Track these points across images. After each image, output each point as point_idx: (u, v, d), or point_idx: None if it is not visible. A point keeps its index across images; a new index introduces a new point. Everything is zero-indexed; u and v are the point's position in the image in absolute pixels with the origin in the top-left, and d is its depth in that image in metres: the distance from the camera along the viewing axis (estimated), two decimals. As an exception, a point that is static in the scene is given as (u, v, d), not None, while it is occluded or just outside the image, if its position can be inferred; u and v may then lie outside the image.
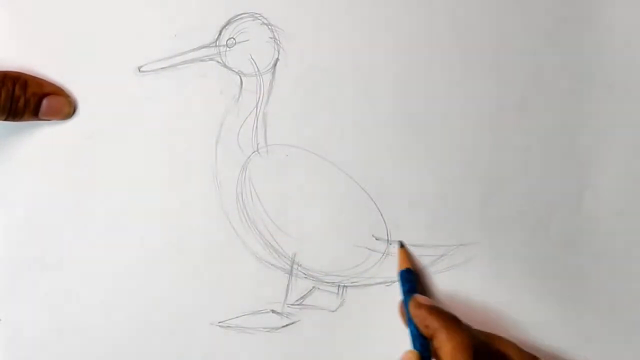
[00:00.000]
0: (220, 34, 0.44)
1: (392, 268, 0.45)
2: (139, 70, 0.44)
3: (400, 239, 0.45)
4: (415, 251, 0.45)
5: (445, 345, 0.39)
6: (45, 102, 0.43)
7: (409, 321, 0.42)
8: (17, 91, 0.42)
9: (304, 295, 0.45)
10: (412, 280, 0.43)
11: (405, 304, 0.42)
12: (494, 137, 0.45)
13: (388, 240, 0.45)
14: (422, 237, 0.45)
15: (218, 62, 0.44)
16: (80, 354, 0.45)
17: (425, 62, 0.45)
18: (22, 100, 0.42)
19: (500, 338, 0.42)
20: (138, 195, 0.44)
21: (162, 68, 0.44)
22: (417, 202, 0.45)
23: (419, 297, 0.42)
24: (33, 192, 0.44)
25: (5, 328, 0.44)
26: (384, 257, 0.45)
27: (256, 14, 0.44)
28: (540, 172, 0.45)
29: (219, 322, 0.45)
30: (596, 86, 0.45)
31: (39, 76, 0.43)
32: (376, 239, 0.45)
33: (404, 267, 0.43)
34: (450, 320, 0.40)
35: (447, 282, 0.45)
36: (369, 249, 0.45)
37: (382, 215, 0.45)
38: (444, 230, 0.44)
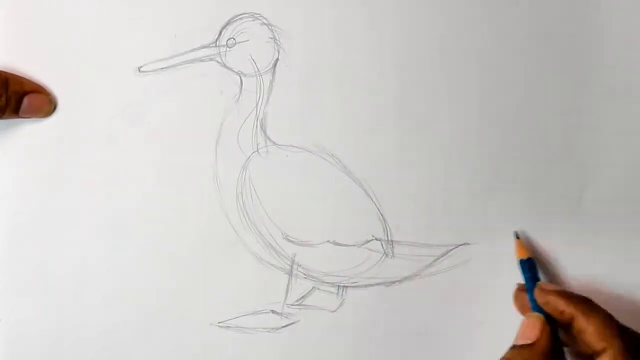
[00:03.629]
0: (220, 34, 0.44)
1: (392, 268, 0.45)
2: (139, 71, 0.44)
3: (399, 238, 0.45)
4: (415, 251, 0.45)
5: (588, 326, 0.39)
6: (26, 100, 0.43)
7: (535, 310, 0.42)
8: None
9: (304, 295, 0.45)
10: (534, 269, 0.43)
11: (529, 292, 0.42)
12: (494, 137, 0.45)
13: (388, 240, 0.45)
14: (422, 237, 0.45)
15: (218, 62, 0.44)
16: (80, 354, 0.45)
17: (425, 62, 0.45)
18: (3, 99, 0.42)
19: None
20: (138, 196, 0.44)
21: (162, 68, 0.44)
22: (417, 202, 0.45)
23: (544, 284, 0.42)
24: (33, 192, 0.44)
25: (5, 328, 0.44)
26: (384, 257, 0.45)
27: (256, 14, 0.44)
28: (540, 172, 0.45)
29: (219, 322, 0.45)
30: (596, 86, 0.45)
31: (33, 74, 0.43)
32: (376, 239, 0.45)
33: (524, 257, 0.43)
34: (585, 302, 0.40)
35: (447, 282, 0.45)
36: (369, 249, 0.45)
37: (382, 215, 0.45)
38: (444, 230, 0.44)
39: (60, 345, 0.45)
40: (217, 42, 0.44)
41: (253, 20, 0.44)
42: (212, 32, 0.44)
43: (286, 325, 0.45)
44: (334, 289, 0.45)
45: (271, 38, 0.44)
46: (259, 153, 0.45)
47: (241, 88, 0.45)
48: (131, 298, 0.45)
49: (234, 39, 0.44)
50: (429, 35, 0.44)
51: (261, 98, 0.45)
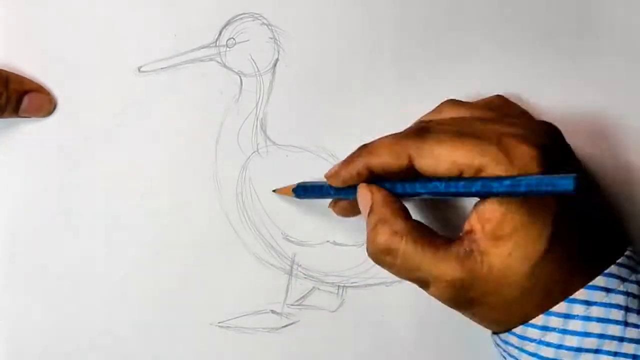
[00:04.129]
0: (220, 34, 0.44)
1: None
2: (139, 71, 0.44)
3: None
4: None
5: (382, 158, 0.37)
6: (26, 99, 0.42)
7: (349, 193, 0.40)
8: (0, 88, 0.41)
9: (304, 295, 0.45)
10: (308, 186, 0.42)
11: (331, 193, 0.41)
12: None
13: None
14: (422, 237, 0.45)
15: (218, 62, 0.44)
16: (80, 354, 0.44)
17: (426, 62, 0.45)
18: (3, 97, 0.42)
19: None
20: (138, 195, 0.44)
21: (161, 68, 0.44)
22: (417, 201, 0.45)
23: (327, 173, 0.40)
24: (33, 192, 0.44)
25: (5, 328, 0.44)
26: (384, 257, 0.45)
27: (256, 14, 0.44)
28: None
29: (219, 323, 0.45)
30: (596, 86, 0.45)
31: (33, 73, 0.43)
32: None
33: (293, 187, 0.42)
34: (362, 148, 0.39)
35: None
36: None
37: (382, 215, 0.45)
38: (444, 229, 0.44)
39: (60, 345, 0.44)
40: (217, 42, 0.44)
41: (253, 20, 0.44)
42: (212, 32, 0.44)
43: (286, 325, 0.45)
44: (334, 289, 0.45)
45: (271, 38, 0.45)
46: (259, 153, 0.45)
47: (241, 88, 0.45)
48: (131, 298, 0.45)
49: (234, 39, 0.44)
50: (429, 34, 0.44)
51: (261, 98, 0.45)
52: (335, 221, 0.44)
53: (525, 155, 0.34)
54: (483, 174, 0.35)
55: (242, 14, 0.44)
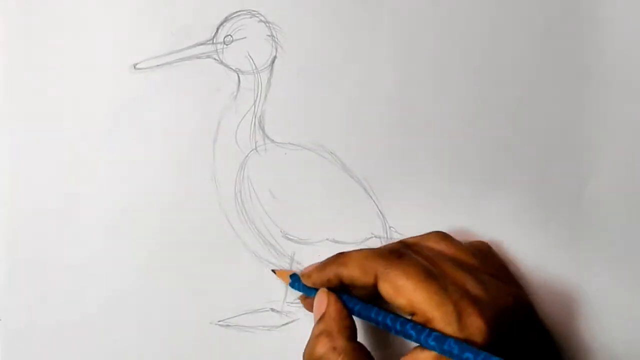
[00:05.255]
0: (217, 31, 0.44)
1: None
2: (135, 68, 0.44)
3: (398, 236, 0.45)
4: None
5: (351, 270, 0.39)
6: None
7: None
8: None
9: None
10: (297, 279, 0.43)
11: (305, 290, 0.42)
12: (494, 136, 0.45)
13: (387, 238, 0.45)
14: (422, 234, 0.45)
15: (215, 59, 0.44)
16: (79, 354, 0.44)
17: (424, 61, 0.45)
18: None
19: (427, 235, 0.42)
20: (135, 194, 0.44)
21: (158, 65, 0.44)
22: (417, 201, 0.45)
23: (303, 271, 0.42)
24: (31, 192, 0.44)
25: (5, 328, 0.44)
26: (382, 254, 0.45)
27: (253, 11, 0.44)
28: (540, 171, 0.45)
29: (219, 321, 0.45)
30: (596, 86, 0.45)
31: (30, 71, 0.43)
32: (375, 237, 0.45)
33: (290, 274, 0.44)
34: (338, 256, 0.40)
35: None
36: (369, 247, 0.45)
37: (381, 213, 0.45)
38: (444, 229, 0.44)
39: (60, 346, 0.44)
40: (214, 40, 0.44)
41: (250, 18, 0.44)
42: (209, 29, 0.44)
43: (286, 324, 0.45)
44: (333, 287, 0.45)
45: (269, 35, 0.44)
46: (257, 151, 0.45)
47: (239, 86, 0.44)
48: (130, 297, 0.44)
49: (231, 36, 0.44)
50: (428, 33, 0.44)
51: (259, 96, 0.44)
52: (334, 219, 0.44)
53: (475, 326, 0.36)
54: (432, 325, 0.36)
55: (239, 11, 0.44)
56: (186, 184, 0.44)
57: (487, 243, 0.44)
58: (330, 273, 0.40)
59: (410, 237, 0.43)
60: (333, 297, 0.40)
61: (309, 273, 0.41)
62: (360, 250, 0.40)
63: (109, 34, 0.43)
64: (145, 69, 0.44)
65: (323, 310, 0.40)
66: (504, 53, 0.45)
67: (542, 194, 0.45)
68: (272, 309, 0.45)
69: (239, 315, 0.45)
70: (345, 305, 0.40)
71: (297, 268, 0.45)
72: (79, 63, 0.43)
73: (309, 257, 0.45)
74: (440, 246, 0.41)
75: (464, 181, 0.45)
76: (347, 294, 0.41)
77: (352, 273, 0.39)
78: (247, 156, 0.44)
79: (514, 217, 0.45)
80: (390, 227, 0.45)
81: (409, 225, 0.45)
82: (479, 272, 0.39)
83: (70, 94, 0.44)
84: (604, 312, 0.44)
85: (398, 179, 0.45)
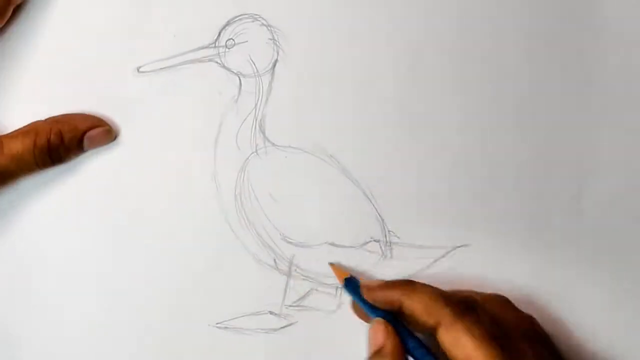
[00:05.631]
0: (219, 35, 0.44)
1: (391, 269, 0.45)
2: (138, 71, 0.44)
3: (397, 240, 0.45)
4: (414, 253, 0.45)
5: (415, 305, 0.39)
6: (86, 140, 0.43)
7: (373, 312, 0.41)
8: (54, 140, 0.42)
9: (302, 296, 0.45)
10: (356, 283, 0.43)
11: (362, 303, 0.42)
12: (493, 138, 0.45)
13: (387, 241, 0.45)
14: (422, 238, 0.45)
15: (217, 63, 0.44)
16: (79, 355, 0.44)
17: (425, 63, 0.45)
18: (62, 149, 0.42)
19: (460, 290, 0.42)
20: (136, 197, 0.44)
21: (161, 68, 0.44)
22: (417, 203, 0.45)
23: (367, 282, 0.42)
24: (32, 193, 0.44)
25: (3, 328, 0.44)
26: (382, 258, 0.45)
27: (255, 15, 0.44)
28: (539, 173, 0.45)
29: (217, 323, 0.45)
30: (596, 86, 0.45)
31: (36, 75, 0.43)
32: (375, 241, 0.45)
33: (347, 276, 0.43)
34: (407, 284, 0.40)
35: (446, 284, 0.45)
36: (368, 251, 0.45)
37: (380, 216, 0.45)
38: (443, 231, 0.44)
39: (59, 347, 0.44)
40: (216, 43, 0.44)
41: (252, 22, 0.44)
42: (211, 32, 0.44)
43: (284, 327, 0.45)
44: (332, 290, 0.45)
45: (270, 39, 0.44)
46: (257, 154, 0.45)
47: (240, 89, 0.45)
48: (129, 298, 0.45)
49: (233, 39, 0.44)
50: (429, 35, 0.44)
51: (260, 99, 0.45)
52: (334, 223, 0.44)
53: None
54: None
55: (241, 15, 0.44)
56: (187, 186, 0.44)
57: (531, 315, 0.43)
58: (394, 297, 0.40)
59: (474, 292, 0.42)
60: (392, 332, 0.40)
61: (372, 288, 0.41)
62: (428, 287, 0.40)
63: (113, 38, 0.44)
64: (148, 72, 0.44)
65: (380, 343, 0.40)
66: (505, 56, 0.45)
67: (542, 194, 0.45)
68: (271, 312, 0.45)
69: (238, 317, 0.45)
70: (402, 341, 0.40)
71: (297, 271, 0.45)
72: (83, 66, 0.44)
73: (308, 260, 0.45)
74: (505, 311, 0.41)
75: (464, 185, 0.45)
76: (404, 327, 0.40)
77: (415, 308, 0.39)
78: (247, 159, 0.45)
79: (514, 216, 0.45)
80: (389, 231, 0.45)
81: (409, 228, 0.45)
82: (537, 346, 0.40)
83: (73, 96, 0.44)
84: (604, 312, 0.44)
85: (398, 182, 0.45)
